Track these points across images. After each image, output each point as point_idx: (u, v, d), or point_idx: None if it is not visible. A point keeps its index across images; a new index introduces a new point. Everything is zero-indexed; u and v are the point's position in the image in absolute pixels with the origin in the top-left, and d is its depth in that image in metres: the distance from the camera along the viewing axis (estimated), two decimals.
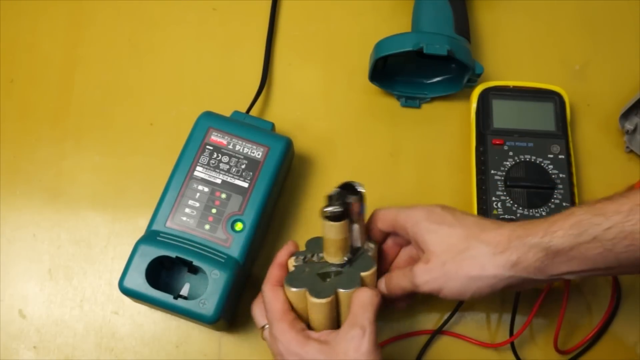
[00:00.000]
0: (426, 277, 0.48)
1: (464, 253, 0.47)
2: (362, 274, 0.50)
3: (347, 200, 0.49)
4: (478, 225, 0.48)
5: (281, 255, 0.52)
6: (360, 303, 0.47)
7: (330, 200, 0.49)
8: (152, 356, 0.58)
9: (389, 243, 0.55)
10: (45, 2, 0.70)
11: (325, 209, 0.48)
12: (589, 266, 0.44)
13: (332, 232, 0.49)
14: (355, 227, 0.51)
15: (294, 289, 0.49)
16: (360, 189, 0.50)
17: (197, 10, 0.71)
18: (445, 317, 0.58)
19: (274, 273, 0.51)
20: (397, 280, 0.51)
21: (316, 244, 0.53)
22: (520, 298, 0.56)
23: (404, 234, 0.52)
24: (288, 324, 0.48)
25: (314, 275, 0.51)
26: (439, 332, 0.58)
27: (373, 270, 0.50)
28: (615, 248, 0.43)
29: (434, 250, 0.48)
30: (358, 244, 0.52)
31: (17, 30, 0.69)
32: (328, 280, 0.50)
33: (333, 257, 0.51)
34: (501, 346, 0.57)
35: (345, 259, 0.51)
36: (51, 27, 0.69)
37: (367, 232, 0.54)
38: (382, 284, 0.52)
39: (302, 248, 0.54)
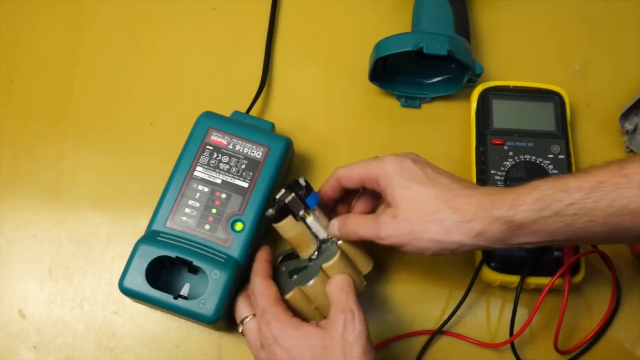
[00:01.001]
0: (391, 231, 0.49)
1: (432, 215, 0.48)
2: (324, 265, 0.51)
3: (283, 199, 0.52)
4: (449, 188, 0.49)
5: (262, 253, 0.55)
6: (339, 288, 0.50)
7: (273, 202, 0.53)
8: (152, 356, 0.58)
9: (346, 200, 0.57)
10: (45, 2, 0.70)
11: (266, 214, 0.52)
12: (548, 238, 0.46)
13: (281, 232, 0.53)
14: (310, 220, 0.53)
15: None
16: (302, 182, 0.53)
17: (197, 10, 0.71)
18: (445, 317, 0.58)
19: (261, 267, 0.54)
20: (355, 227, 0.51)
21: None
22: (520, 298, 0.56)
23: (374, 186, 0.52)
24: (283, 309, 0.50)
25: (285, 274, 0.54)
26: (439, 332, 0.58)
27: (334, 260, 0.51)
28: (575, 223, 0.44)
29: (402, 207, 0.49)
30: (322, 235, 0.54)
31: (17, 30, 0.69)
32: (294, 277, 0.53)
33: (300, 252, 0.54)
34: (501, 346, 0.57)
35: (312, 252, 0.53)
36: (51, 27, 0.69)
37: (330, 219, 0.55)
38: (335, 227, 0.53)
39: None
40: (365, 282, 0.54)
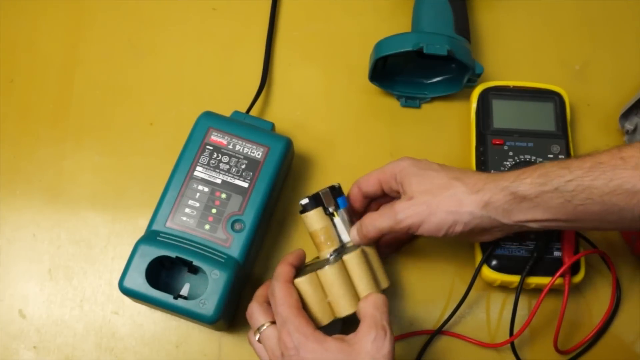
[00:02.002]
0: (409, 211, 0.51)
1: (446, 191, 0.51)
2: (345, 257, 0.52)
3: (318, 192, 0.54)
4: (460, 171, 0.53)
5: (291, 256, 0.53)
6: (374, 305, 0.49)
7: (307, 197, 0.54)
8: (152, 356, 0.58)
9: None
10: (45, 2, 0.70)
11: (300, 202, 0.54)
12: (551, 216, 0.49)
13: (308, 223, 0.54)
14: (337, 219, 0.54)
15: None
16: (336, 185, 0.55)
17: (197, 10, 0.71)
18: (445, 317, 0.58)
19: (285, 270, 0.51)
20: (372, 221, 0.53)
21: None
22: (520, 298, 0.56)
23: (393, 182, 0.54)
24: (305, 320, 0.48)
25: (305, 270, 0.53)
26: (439, 332, 0.58)
27: (355, 252, 0.52)
28: (574, 200, 0.47)
29: (417, 189, 0.52)
30: (345, 238, 0.54)
31: (17, 30, 0.69)
32: (308, 267, 0.54)
33: (321, 251, 0.54)
34: (501, 346, 0.57)
35: (332, 251, 0.53)
36: (51, 27, 0.69)
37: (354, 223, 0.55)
38: (355, 231, 0.54)
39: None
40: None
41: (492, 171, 0.60)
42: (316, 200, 0.54)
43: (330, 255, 0.53)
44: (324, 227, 0.54)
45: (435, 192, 0.51)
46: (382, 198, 0.57)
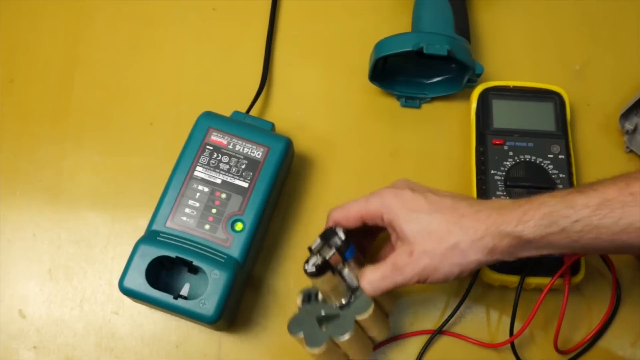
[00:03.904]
0: (413, 270, 0.48)
1: (446, 241, 0.48)
2: (358, 317, 0.50)
3: (325, 256, 0.49)
4: (454, 208, 0.49)
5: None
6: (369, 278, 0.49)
7: (310, 252, 0.50)
8: (152, 356, 0.58)
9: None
10: (45, 2, 0.70)
11: (305, 268, 0.49)
12: (556, 251, 0.47)
13: (318, 284, 0.51)
14: (346, 272, 0.51)
15: (293, 334, 0.51)
16: (341, 235, 0.51)
17: (197, 10, 0.71)
18: (445, 317, 0.58)
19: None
20: (378, 284, 0.50)
21: None
22: (520, 298, 0.56)
23: (377, 222, 0.51)
24: None
25: (313, 320, 0.51)
26: (439, 332, 0.58)
27: (369, 312, 0.50)
28: (582, 240, 0.45)
29: (415, 241, 0.48)
30: (355, 283, 0.51)
31: (17, 30, 0.69)
32: (324, 325, 0.51)
33: (332, 302, 0.52)
34: (501, 346, 0.57)
35: (344, 301, 0.51)
36: (51, 27, 0.69)
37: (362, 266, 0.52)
38: (363, 287, 0.50)
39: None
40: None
41: (492, 171, 0.60)
42: (323, 268, 0.49)
43: (342, 305, 0.51)
44: (333, 286, 0.51)
45: (435, 242, 0.48)
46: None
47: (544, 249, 0.47)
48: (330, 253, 0.50)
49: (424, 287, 0.60)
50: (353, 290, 0.51)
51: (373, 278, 0.50)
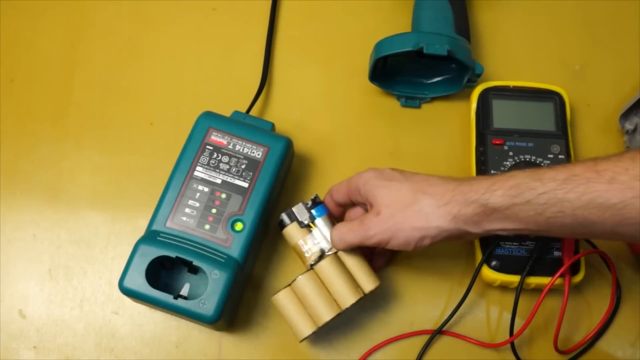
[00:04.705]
0: (377, 228, 0.50)
1: (412, 206, 0.50)
2: (315, 266, 0.53)
3: (291, 209, 0.55)
4: (426, 180, 0.51)
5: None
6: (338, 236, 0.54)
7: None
8: (152, 356, 0.58)
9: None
10: (45, 2, 0.70)
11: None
12: (521, 226, 0.48)
13: (287, 238, 0.56)
14: (316, 231, 0.55)
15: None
16: (313, 196, 0.56)
17: (197, 10, 0.71)
18: (445, 317, 0.58)
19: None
20: (341, 235, 0.53)
21: None
22: (520, 298, 0.56)
23: (357, 195, 0.54)
24: None
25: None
26: (439, 332, 0.58)
27: (325, 262, 0.53)
28: (546, 213, 0.46)
29: (383, 203, 0.51)
30: (324, 245, 0.55)
31: (17, 30, 0.69)
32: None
33: (303, 262, 0.55)
34: (501, 346, 0.57)
35: (312, 261, 0.54)
36: (51, 27, 0.69)
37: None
38: (331, 240, 0.54)
39: None
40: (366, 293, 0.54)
41: (492, 171, 0.60)
42: (289, 216, 0.55)
43: (310, 266, 0.54)
44: (301, 239, 0.55)
45: (401, 206, 0.50)
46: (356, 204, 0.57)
47: (509, 221, 0.47)
48: (297, 205, 0.55)
49: (424, 287, 0.60)
50: (323, 255, 0.54)
51: (342, 229, 0.53)
